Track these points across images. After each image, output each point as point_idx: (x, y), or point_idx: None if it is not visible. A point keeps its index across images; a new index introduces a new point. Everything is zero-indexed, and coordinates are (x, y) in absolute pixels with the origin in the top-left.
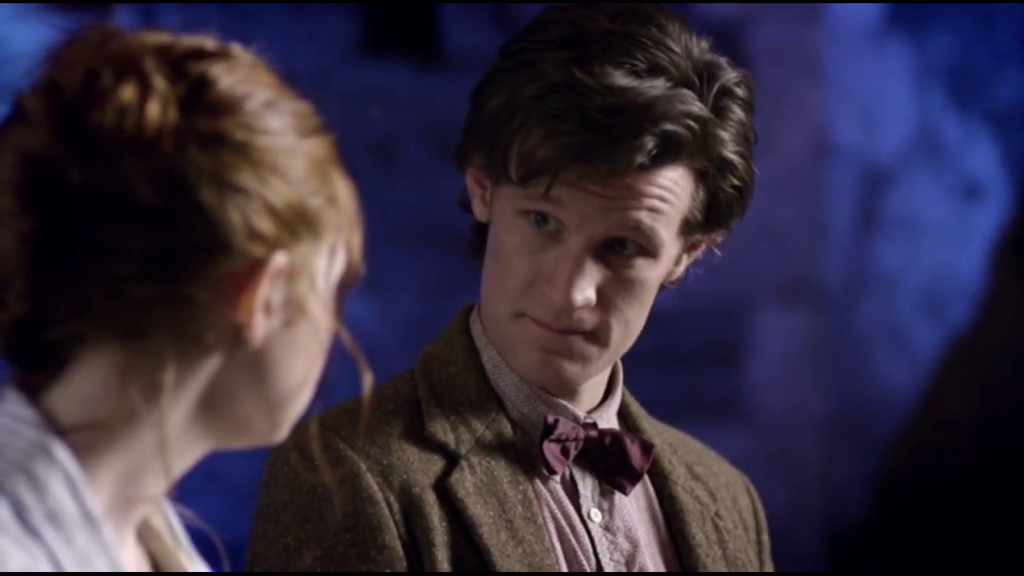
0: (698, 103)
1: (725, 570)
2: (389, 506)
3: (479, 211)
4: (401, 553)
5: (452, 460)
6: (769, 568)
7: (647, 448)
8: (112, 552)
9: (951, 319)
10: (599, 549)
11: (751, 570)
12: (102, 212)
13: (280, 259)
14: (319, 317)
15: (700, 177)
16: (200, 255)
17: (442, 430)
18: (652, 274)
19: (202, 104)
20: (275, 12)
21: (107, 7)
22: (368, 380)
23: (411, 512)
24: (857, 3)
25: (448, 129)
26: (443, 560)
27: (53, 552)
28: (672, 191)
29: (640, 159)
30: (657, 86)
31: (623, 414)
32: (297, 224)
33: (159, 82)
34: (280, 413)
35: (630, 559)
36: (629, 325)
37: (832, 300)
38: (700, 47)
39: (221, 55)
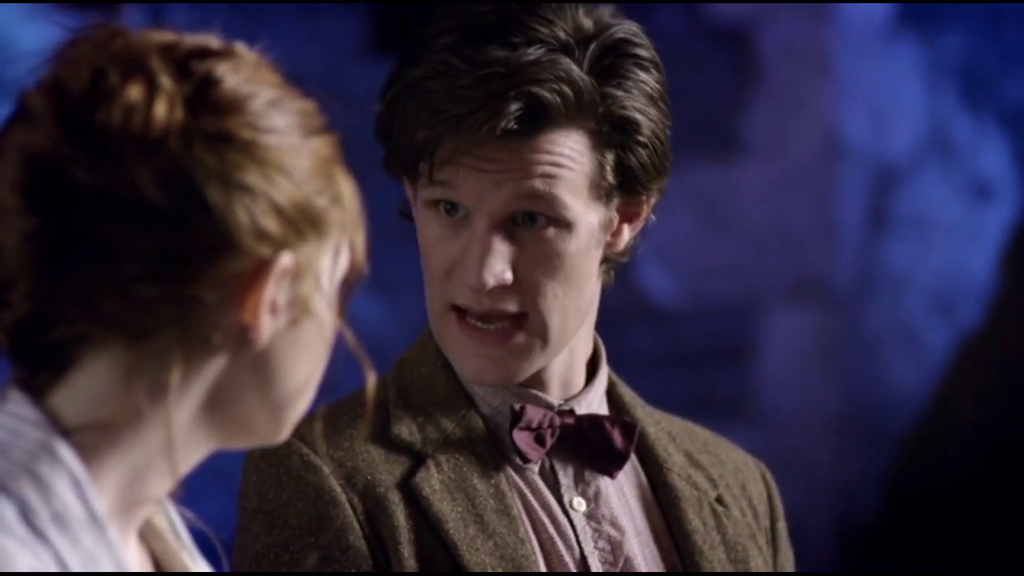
0: (574, 66)
1: (723, 555)
2: (353, 507)
3: (414, 213)
4: (367, 553)
5: (418, 460)
6: (787, 554)
7: (628, 429)
8: (118, 553)
9: (962, 319)
10: (582, 538)
11: (752, 556)
12: (108, 212)
13: (286, 259)
14: (324, 317)
15: (596, 138)
16: (207, 255)
17: (408, 431)
18: (571, 246)
19: (208, 103)
20: (284, 12)
21: (116, 6)
22: (371, 379)
23: (375, 512)
24: (868, 3)
25: None
26: (409, 558)
27: (59, 553)
28: (564, 155)
29: (505, 124)
30: (530, 54)
31: (615, 403)
32: (303, 223)
33: (165, 81)
34: (284, 413)
35: (616, 547)
36: (560, 301)
37: (842, 299)
38: (595, 18)
39: (226, 54)
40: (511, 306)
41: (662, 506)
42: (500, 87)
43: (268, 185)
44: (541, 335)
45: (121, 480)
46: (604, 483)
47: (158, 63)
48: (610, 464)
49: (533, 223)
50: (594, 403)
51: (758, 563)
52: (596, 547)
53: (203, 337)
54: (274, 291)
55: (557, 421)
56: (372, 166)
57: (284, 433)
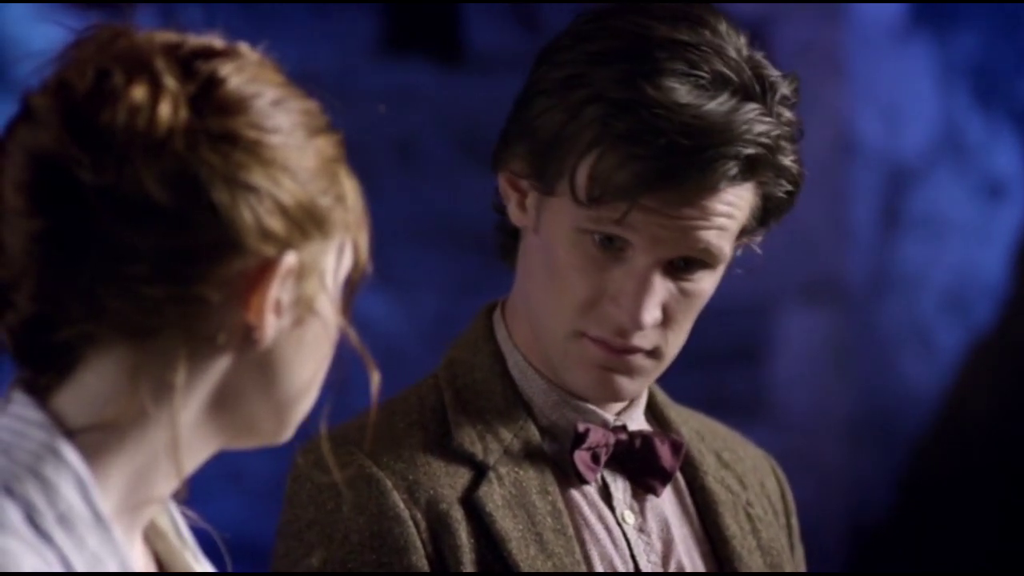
0: (767, 119)
1: (760, 560)
2: (416, 524)
3: (516, 216)
4: (427, 573)
5: (479, 471)
6: (800, 552)
7: (677, 447)
8: (123, 554)
9: (975, 318)
10: (636, 551)
11: (784, 559)
12: (113, 212)
13: (290, 259)
14: (328, 316)
15: (761, 187)
16: (212, 255)
17: (469, 440)
18: (710, 284)
19: (212, 103)
20: (297, 11)
21: (126, 6)
22: (376, 380)
23: (438, 530)
24: (881, 3)
25: (470, 128)
26: None
27: (64, 555)
28: (737, 206)
29: (712, 184)
30: (725, 102)
31: (651, 406)
32: (307, 223)
33: (170, 82)
34: (287, 413)
35: (665, 560)
36: (684, 335)
37: (856, 299)
38: (747, 46)
39: (229, 54)
40: (647, 343)
41: (699, 510)
42: (715, 145)
43: (272, 185)
44: (663, 363)
45: (126, 481)
46: (648, 495)
47: (162, 63)
48: (656, 480)
49: (689, 267)
50: (640, 415)
51: (789, 566)
52: (648, 560)
53: (208, 337)
54: (278, 291)
55: (612, 439)
56: (383, 165)
57: (288, 433)
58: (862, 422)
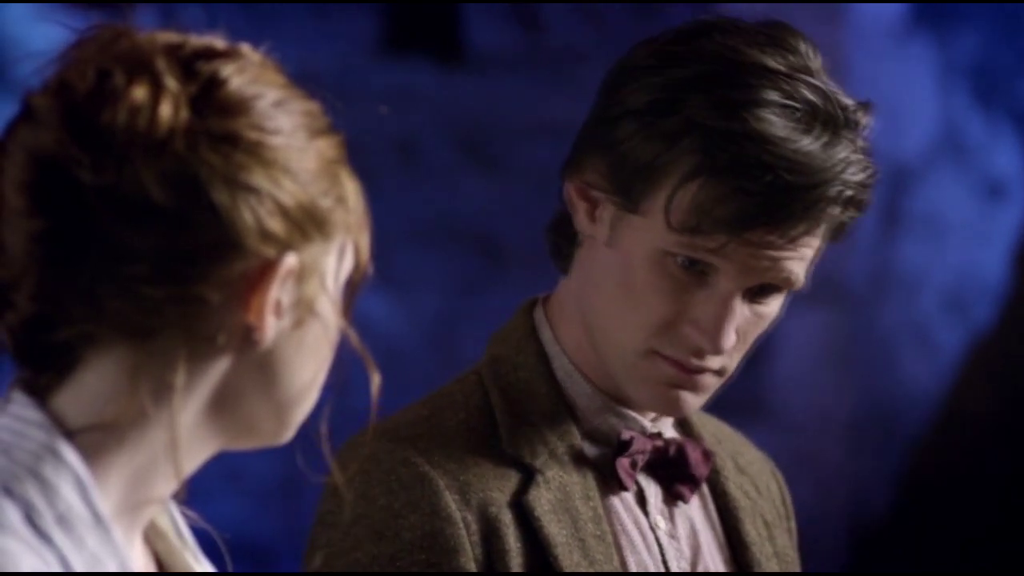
0: (859, 156)
1: (776, 567)
2: (467, 526)
3: (584, 226)
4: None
5: (528, 475)
6: (797, 554)
7: (707, 455)
8: (122, 554)
9: (975, 318)
10: (667, 557)
11: (795, 566)
12: (113, 212)
13: (291, 260)
14: (329, 318)
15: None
16: (212, 256)
17: (518, 443)
18: (778, 306)
19: (213, 104)
20: (297, 11)
21: (126, 6)
22: (376, 381)
23: (488, 533)
24: (881, 3)
25: (470, 128)
26: None
27: (64, 555)
28: (820, 236)
29: (820, 225)
30: (820, 135)
31: None
32: (308, 224)
33: (171, 82)
34: (288, 414)
35: (693, 566)
36: (746, 353)
37: (856, 299)
38: (822, 67)
39: (231, 54)
40: (718, 364)
41: (720, 514)
42: (819, 185)
43: (273, 186)
44: (724, 380)
45: (125, 481)
46: (677, 501)
47: (163, 64)
48: (686, 487)
49: (764, 291)
50: (671, 422)
51: (798, 570)
52: (679, 566)
53: (208, 338)
54: (279, 292)
55: (649, 446)
56: (383, 165)
57: (289, 434)
58: (862, 422)
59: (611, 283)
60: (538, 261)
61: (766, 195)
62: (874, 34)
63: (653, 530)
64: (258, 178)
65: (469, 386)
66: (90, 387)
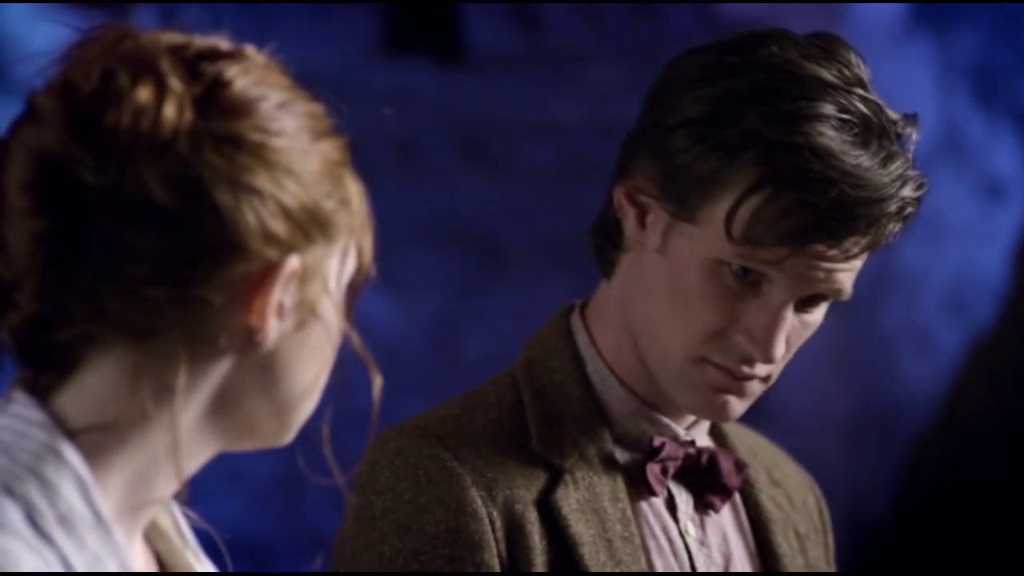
0: (912, 172)
1: None
2: (491, 523)
3: (633, 231)
4: (497, 572)
5: (555, 474)
6: (833, 572)
7: (740, 466)
8: (123, 554)
9: (975, 319)
10: (696, 564)
11: None
12: (116, 213)
13: (293, 262)
14: (331, 320)
15: None
16: (214, 257)
17: (547, 443)
18: (823, 314)
19: (217, 105)
20: (297, 12)
21: (127, 6)
22: (378, 383)
23: (512, 530)
24: (881, 3)
25: (470, 128)
26: None
27: (65, 555)
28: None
29: (877, 241)
30: (877, 151)
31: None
32: (310, 226)
33: (175, 83)
34: (289, 415)
35: (724, 573)
36: (790, 359)
37: (856, 300)
38: (869, 79)
39: (235, 56)
40: (765, 371)
41: (753, 524)
42: (879, 202)
43: (277, 188)
44: (769, 386)
45: (126, 481)
46: (708, 510)
47: (168, 65)
48: (717, 496)
49: (813, 300)
50: (705, 431)
51: None
52: (708, 573)
53: (209, 339)
54: (281, 294)
55: (681, 453)
56: (383, 165)
57: (290, 435)
58: (862, 422)
59: (661, 289)
60: (538, 261)
61: (831, 209)
62: (874, 34)
63: (682, 536)
64: (261, 180)
65: (503, 387)
66: (91, 387)
